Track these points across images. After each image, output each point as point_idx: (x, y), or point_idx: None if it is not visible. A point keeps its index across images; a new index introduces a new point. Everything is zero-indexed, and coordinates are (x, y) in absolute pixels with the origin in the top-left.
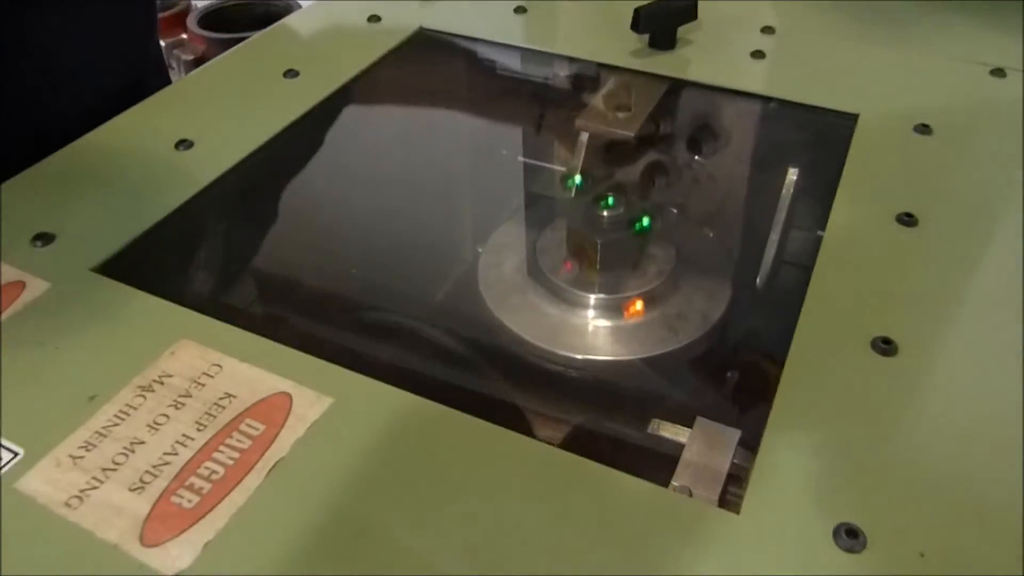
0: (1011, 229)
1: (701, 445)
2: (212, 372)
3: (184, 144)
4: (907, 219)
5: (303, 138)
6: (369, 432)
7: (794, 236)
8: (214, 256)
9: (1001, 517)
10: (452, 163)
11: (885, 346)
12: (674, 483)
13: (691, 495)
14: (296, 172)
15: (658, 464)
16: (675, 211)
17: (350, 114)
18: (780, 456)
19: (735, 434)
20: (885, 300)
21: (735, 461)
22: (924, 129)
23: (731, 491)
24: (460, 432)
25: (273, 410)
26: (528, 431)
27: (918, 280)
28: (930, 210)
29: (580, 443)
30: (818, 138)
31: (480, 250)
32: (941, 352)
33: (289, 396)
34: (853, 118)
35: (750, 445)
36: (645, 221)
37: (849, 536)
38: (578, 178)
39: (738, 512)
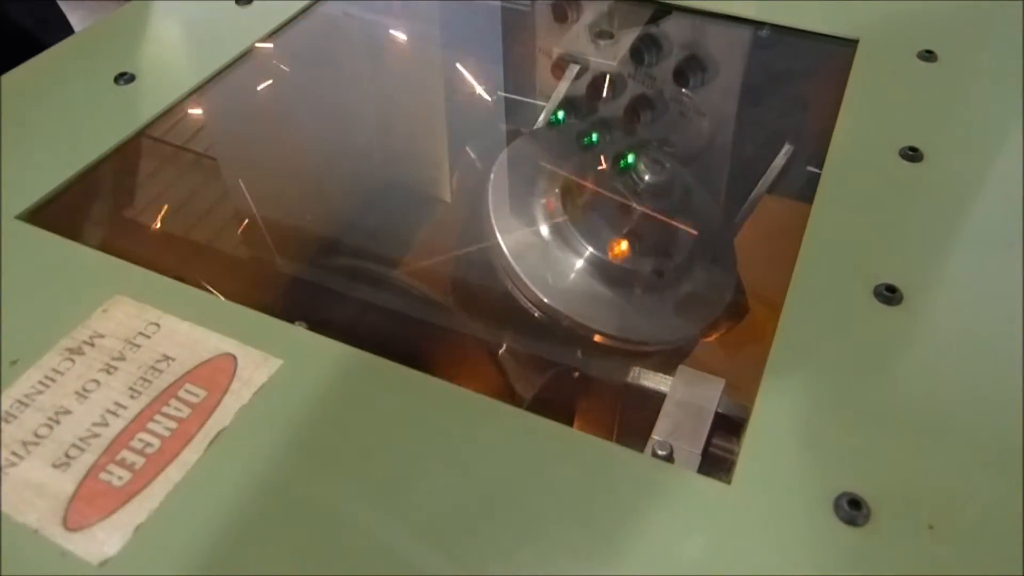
0: (1022, 163)
1: (683, 395)
2: (149, 332)
3: (124, 78)
4: (911, 154)
5: (255, 72)
6: (322, 397)
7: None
8: (153, 203)
9: (1021, 484)
10: (417, 101)
11: (889, 294)
12: (654, 436)
13: (672, 452)
14: (246, 111)
15: (640, 415)
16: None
17: (304, 47)
18: (775, 417)
19: (719, 383)
20: (888, 243)
21: (719, 411)
22: (928, 56)
23: (716, 444)
24: (423, 395)
25: (216, 374)
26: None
27: (924, 221)
28: (936, 143)
29: (558, 389)
30: (815, 67)
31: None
32: (948, 300)
33: (233, 358)
34: (852, 44)
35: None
36: (630, 158)
37: (851, 507)
38: (561, 113)
39: (728, 481)
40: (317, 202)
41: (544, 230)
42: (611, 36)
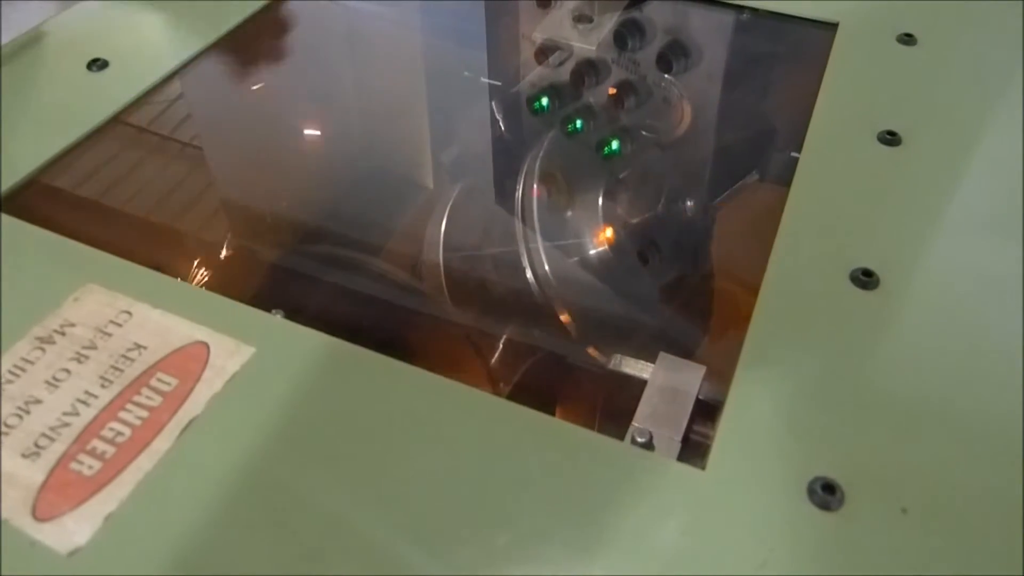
0: (1001, 148)
1: (664, 382)
2: (120, 320)
3: (97, 64)
4: (889, 138)
5: (234, 58)
6: (295, 385)
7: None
8: (128, 190)
9: (995, 467)
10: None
11: (865, 278)
12: (635, 424)
13: (652, 439)
14: (224, 97)
15: (621, 403)
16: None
17: (282, 34)
18: (750, 402)
19: (699, 370)
20: (866, 228)
21: (700, 397)
22: (907, 39)
23: (697, 431)
24: (398, 383)
25: (188, 362)
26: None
27: (901, 205)
28: (914, 128)
29: (538, 374)
30: (793, 50)
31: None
32: (925, 285)
33: (206, 346)
34: (832, 27)
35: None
36: (614, 144)
37: (825, 491)
38: (544, 99)
39: (703, 467)
40: (296, 189)
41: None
42: (590, 20)
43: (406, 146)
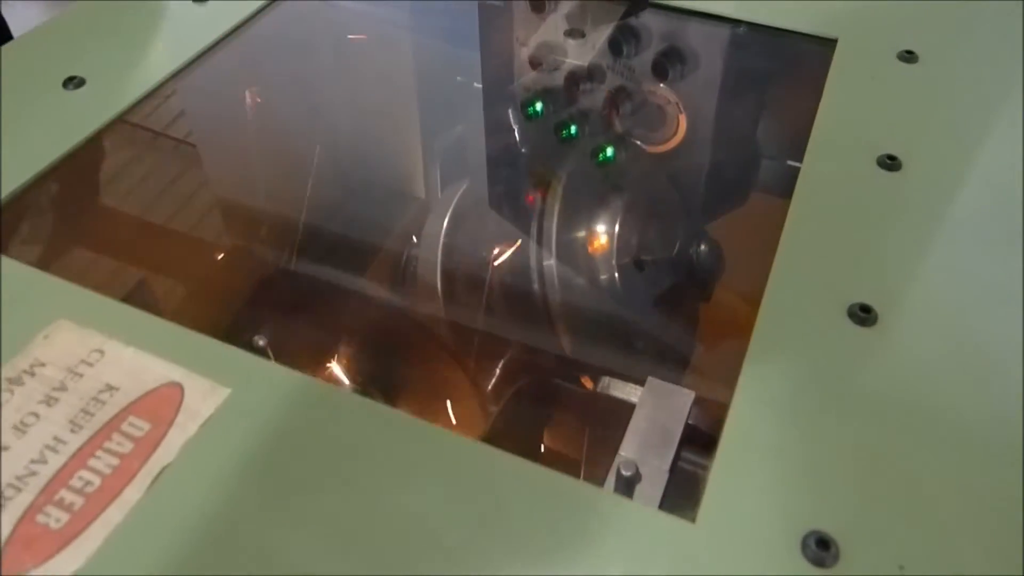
0: (1005, 174)
1: (652, 409)
2: (92, 360)
3: (73, 82)
4: (889, 162)
5: (217, 72)
6: (272, 429)
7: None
8: (100, 219)
9: (997, 524)
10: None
11: (863, 314)
12: (621, 453)
13: (637, 471)
14: (207, 113)
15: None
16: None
17: (264, 46)
18: (742, 449)
19: (688, 396)
20: (864, 260)
21: (690, 423)
22: (908, 56)
23: (686, 458)
24: (377, 427)
25: (161, 405)
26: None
27: (901, 235)
28: (915, 151)
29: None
30: (790, 67)
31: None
32: (925, 321)
33: (180, 387)
34: (831, 44)
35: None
36: (608, 151)
37: (819, 547)
38: (539, 105)
39: (693, 519)
40: (285, 203)
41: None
42: (583, 35)
43: (397, 155)
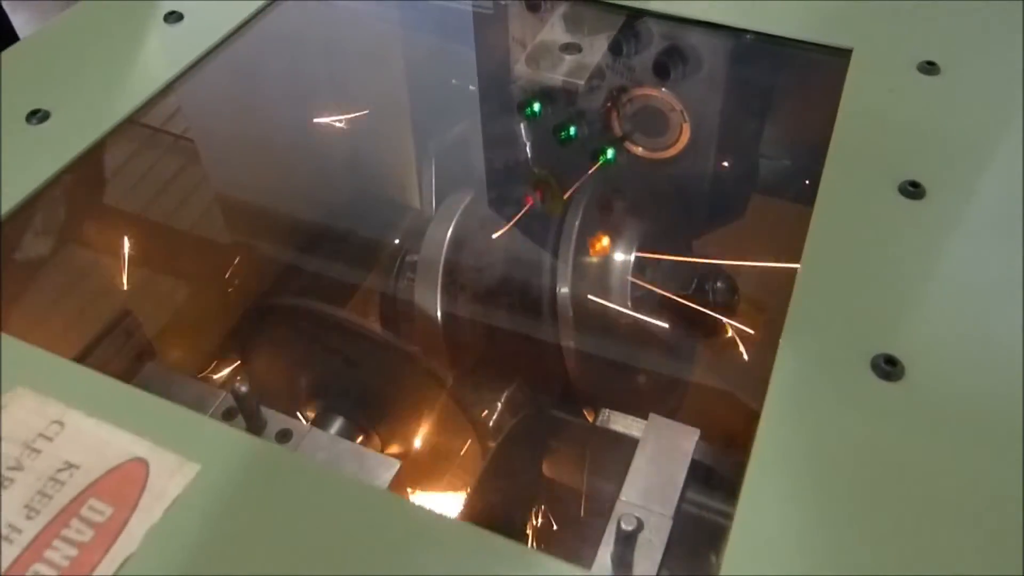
0: None
1: (654, 450)
2: (51, 433)
3: (37, 116)
4: (912, 189)
5: (196, 95)
6: (245, 510)
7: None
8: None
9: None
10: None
11: (888, 367)
12: (622, 498)
13: (639, 525)
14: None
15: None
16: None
17: (244, 64)
18: (759, 523)
19: (693, 434)
20: (888, 306)
21: (696, 459)
22: (929, 68)
23: (691, 499)
24: (360, 506)
25: (125, 484)
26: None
27: (928, 274)
28: (939, 176)
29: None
30: (802, 78)
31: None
32: (956, 375)
33: (145, 464)
34: (845, 54)
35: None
36: (609, 153)
37: None
38: (537, 105)
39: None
40: (278, 219)
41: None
42: (579, 50)
43: (391, 161)
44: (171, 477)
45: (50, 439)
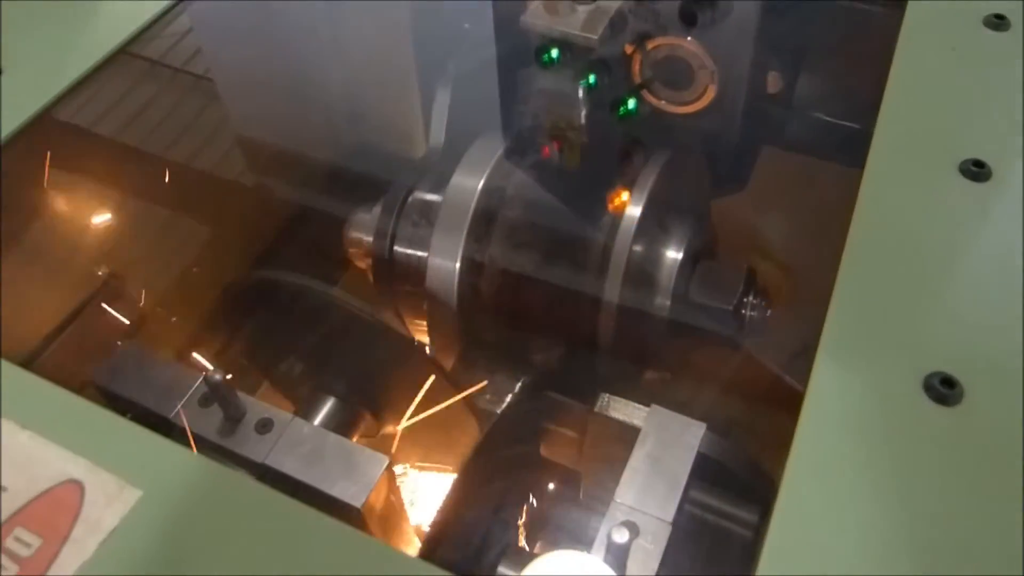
0: None
1: (654, 445)
2: None
3: None
4: (975, 170)
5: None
6: (193, 546)
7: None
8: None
9: None
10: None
11: (945, 389)
12: (616, 500)
13: (632, 536)
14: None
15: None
16: None
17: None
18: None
19: (699, 428)
20: (946, 314)
21: (702, 451)
22: (998, 22)
23: (695, 499)
24: (313, 536)
25: (56, 512)
26: None
27: (993, 276)
28: (1007, 154)
29: None
30: (850, 36)
31: None
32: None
33: (80, 487)
34: (899, 6)
35: None
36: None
37: None
38: (555, 51)
39: None
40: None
41: None
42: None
43: (395, 114)
44: (108, 504)
45: None
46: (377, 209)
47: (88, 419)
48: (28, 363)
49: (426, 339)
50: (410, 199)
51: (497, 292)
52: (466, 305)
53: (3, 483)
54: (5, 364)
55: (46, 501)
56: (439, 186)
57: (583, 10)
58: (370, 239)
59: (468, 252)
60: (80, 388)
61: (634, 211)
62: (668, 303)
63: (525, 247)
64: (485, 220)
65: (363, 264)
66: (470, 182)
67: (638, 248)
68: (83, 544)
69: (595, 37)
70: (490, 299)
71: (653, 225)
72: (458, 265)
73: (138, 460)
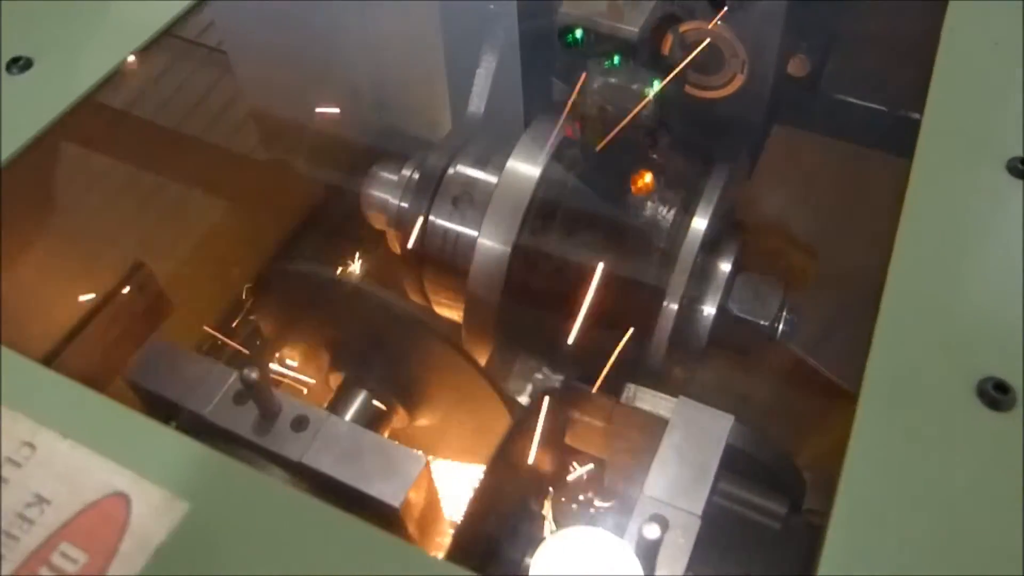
0: None
1: (682, 438)
2: (20, 458)
3: (18, 64)
4: (1023, 168)
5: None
6: (243, 562)
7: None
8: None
9: None
10: None
11: (999, 394)
12: (645, 493)
13: (663, 533)
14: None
15: None
16: None
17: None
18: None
19: (727, 420)
20: (998, 318)
21: (731, 443)
22: None
23: (724, 491)
24: (371, 554)
25: (102, 526)
26: None
27: None
28: None
29: None
30: (886, 26)
31: None
32: None
33: (126, 500)
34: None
35: None
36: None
37: None
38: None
39: None
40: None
41: None
42: None
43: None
44: (156, 517)
45: (19, 465)
46: (407, 172)
47: (130, 428)
48: (52, 358)
49: (446, 313)
50: (451, 171)
51: (544, 282)
52: (511, 292)
53: (46, 495)
54: (44, 371)
55: (91, 515)
56: (481, 161)
57: (623, 3)
58: (397, 202)
59: (521, 239)
60: (105, 383)
61: (700, 223)
62: (714, 312)
63: (579, 241)
64: (541, 209)
65: (379, 224)
66: (527, 169)
67: (699, 261)
68: (131, 559)
69: (635, 30)
70: (536, 289)
71: (713, 237)
72: (510, 251)
73: (183, 471)
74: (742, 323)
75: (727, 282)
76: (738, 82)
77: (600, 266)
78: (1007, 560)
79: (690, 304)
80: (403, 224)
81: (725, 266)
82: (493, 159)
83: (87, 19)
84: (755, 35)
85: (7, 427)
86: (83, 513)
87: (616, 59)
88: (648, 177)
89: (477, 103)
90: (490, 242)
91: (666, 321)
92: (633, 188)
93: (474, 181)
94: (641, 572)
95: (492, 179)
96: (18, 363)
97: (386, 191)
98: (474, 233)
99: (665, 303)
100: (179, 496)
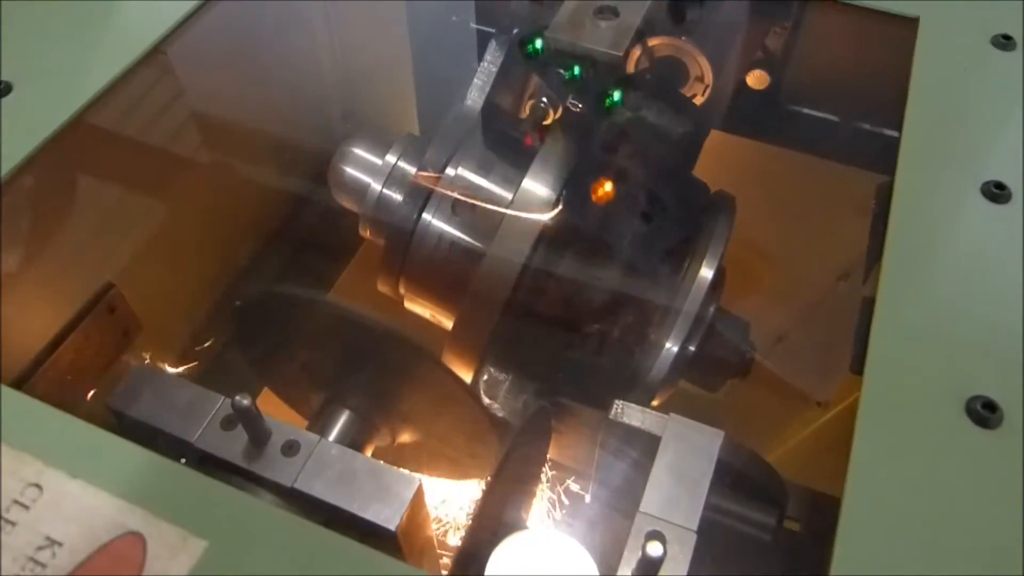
0: None
1: (675, 456)
2: (28, 499)
3: None
4: (996, 192)
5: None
6: None
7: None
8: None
9: None
10: None
11: (986, 412)
12: (642, 510)
13: (665, 550)
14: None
15: None
16: None
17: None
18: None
19: (717, 436)
20: (984, 338)
21: (722, 458)
22: (1005, 42)
23: (715, 505)
24: None
25: (118, 567)
26: None
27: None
28: None
29: None
30: (867, 55)
31: None
32: None
33: (141, 540)
34: (911, 24)
35: None
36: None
37: None
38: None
39: None
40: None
41: None
42: (615, 14)
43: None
44: (173, 556)
45: (27, 507)
46: (392, 158)
47: (138, 462)
48: (21, 382)
49: (418, 310)
50: (450, 172)
51: (547, 305)
52: (513, 308)
53: (58, 538)
54: (43, 407)
55: (106, 556)
56: (484, 168)
57: (606, 26)
58: (379, 188)
59: (532, 260)
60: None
61: (707, 274)
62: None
63: (589, 269)
64: (554, 233)
65: (348, 204)
66: (543, 192)
67: (702, 309)
68: None
69: (619, 54)
70: (539, 310)
71: (715, 285)
72: (520, 267)
73: (196, 508)
74: (719, 361)
75: (709, 323)
76: (698, 101)
77: (604, 296)
78: (996, 571)
79: (683, 345)
80: (387, 214)
81: (712, 307)
82: (496, 167)
83: (65, 44)
84: (713, 49)
85: (15, 467)
86: (97, 554)
87: (576, 70)
88: (608, 186)
89: (476, 96)
90: (500, 255)
91: (663, 363)
92: (593, 196)
93: (477, 188)
94: (596, 572)
95: (498, 190)
96: (19, 399)
97: (366, 173)
98: (480, 245)
99: (668, 345)
100: (195, 534)
